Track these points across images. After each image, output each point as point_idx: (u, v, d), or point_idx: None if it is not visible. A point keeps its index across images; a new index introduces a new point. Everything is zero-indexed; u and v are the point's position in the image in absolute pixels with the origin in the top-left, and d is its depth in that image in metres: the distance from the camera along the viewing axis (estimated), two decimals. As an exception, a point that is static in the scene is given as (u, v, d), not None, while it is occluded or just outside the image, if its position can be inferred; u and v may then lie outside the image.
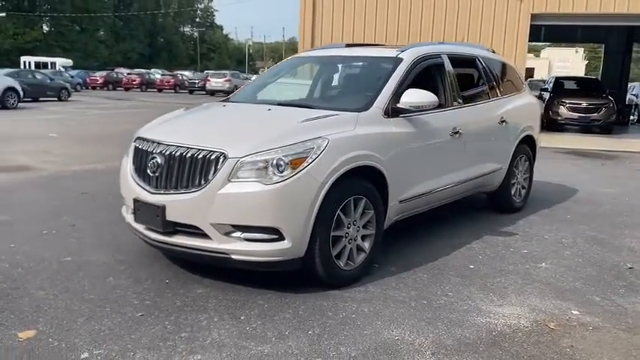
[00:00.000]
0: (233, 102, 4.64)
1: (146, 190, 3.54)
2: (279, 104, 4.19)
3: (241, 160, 3.26)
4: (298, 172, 3.26)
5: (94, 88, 40.01)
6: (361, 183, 3.66)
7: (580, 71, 54.42)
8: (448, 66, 4.68)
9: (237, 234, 3.28)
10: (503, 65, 5.82)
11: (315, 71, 5.07)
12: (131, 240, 4.20)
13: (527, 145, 5.82)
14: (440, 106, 4.53)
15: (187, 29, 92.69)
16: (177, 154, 3.42)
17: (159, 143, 3.57)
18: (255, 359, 2.73)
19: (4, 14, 53.93)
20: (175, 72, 46.82)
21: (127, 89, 40.09)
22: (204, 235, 3.34)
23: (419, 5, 13.73)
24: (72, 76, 36.11)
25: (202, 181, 3.31)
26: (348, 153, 3.49)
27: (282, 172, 3.24)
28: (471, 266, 4.14)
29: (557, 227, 5.27)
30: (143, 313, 3.17)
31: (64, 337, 2.87)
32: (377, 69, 4.32)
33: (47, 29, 69.09)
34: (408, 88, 4.07)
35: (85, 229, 4.76)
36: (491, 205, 5.74)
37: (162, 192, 3.45)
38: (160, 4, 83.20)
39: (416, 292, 3.62)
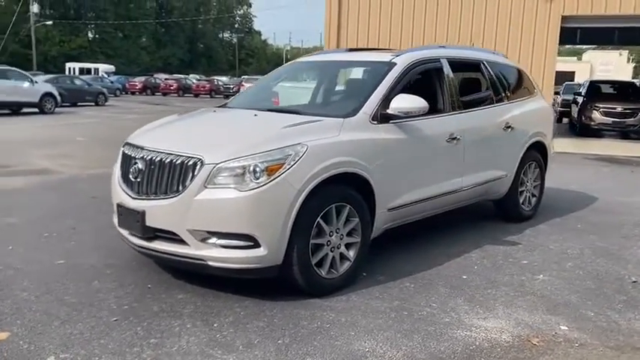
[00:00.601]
0: (228, 107, 4.64)
1: (129, 196, 3.57)
2: (268, 110, 4.17)
3: (218, 166, 3.24)
4: (274, 179, 3.22)
5: (133, 93, 41.03)
6: (344, 190, 3.59)
7: (625, 75, 52.45)
8: (447, 70, 4.56)
9: (213, 240, 3.27)
10: (512, 69, 5.64)
11: (311, 76, 5.03)
12: (125, 245, 4.23)
13: (538, 151, 5.62)
14: (437, 111, 4.44)
15: (226, 35, 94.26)
16: (158, 159, 3.43)
17: (142, 149, 3.59)
18: (218, 368, 2.71)
19: (50, 22, 55.94)
20: (212, 77, 47.61)
21: (164, 94, 40.95)
22: (181, 241, 3.34)
23: (445, 9, 13.52)
24: (112, 82, 37.12)
25: (180, 187, 3.31)
26: (328, 160, 3.43)
27: (258, 178, 3.22)
28: (464, 276, 4.01)
29: (566, 237, 5.07)
30: (118, 318, 3.19)
31: (35, 340, 2.91)
32: (370, 74, 4.25)
33: (92, 36, 71.47)
34: (400, 94, 3.98)
35: (85, 232, 4.85)
36: (499, 213, 5.57)
37: (143, 197, 3.47)
38: (200, 11, 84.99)
39: (399, 302, 3.53)
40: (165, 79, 43.59)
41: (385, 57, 4.35)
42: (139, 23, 71.92)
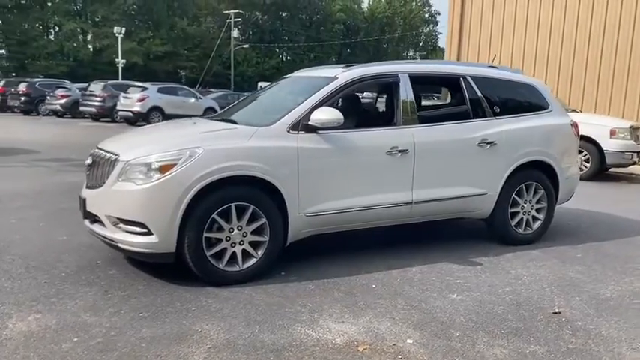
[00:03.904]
0: (204, 117, 5.26)
1: (85, 187, 4.38)
2: (212, 119, 4.68)
3: (128, 162, 3.88)
4: (166, 177, 3.75)
5: (305, 109, 43.96)
6: (247, 191, 3.96)
7: None
8: (405, 85, 4.60)
9: (121, 225, 3.90)
10: (514, 84, 5.31)
11: (284, 89, 5.37)
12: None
13: (542, 171, 5.22)
14: (382, 123, 4.54)
15: (410, 53, 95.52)
16: (97, 156, 4.19)
17: (96, 148, 4.39)
18: (72, 324, 3.29)
19: (246, 46, 62.72)
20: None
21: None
22: (104, 225, 4.03)
23: (572, 22, 12.54)
24: (285, 99, 40.45)
25: (105, 180, 4.01)
26: (224, 162, 3.84)
27: (153, 175, 3.77)
28: (373, 286, 4.07)
29: (544, 265, 4.68)
30: (47, 281, 3.97)
31: (-18, 287, 3.82)
32: (314, 87, 4.49)
33: (284, 58, 78.25)
34: (327, 107, 4.21)
35: (108, 219, 5.83)
36: (490, 234, 5.29)
37: (88, 187, 4.26)
38: (385, 31, 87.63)
39: (281, 299, 3.77)
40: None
41: (332, 72, 4.58)
42: (327, 44, 76.78)
